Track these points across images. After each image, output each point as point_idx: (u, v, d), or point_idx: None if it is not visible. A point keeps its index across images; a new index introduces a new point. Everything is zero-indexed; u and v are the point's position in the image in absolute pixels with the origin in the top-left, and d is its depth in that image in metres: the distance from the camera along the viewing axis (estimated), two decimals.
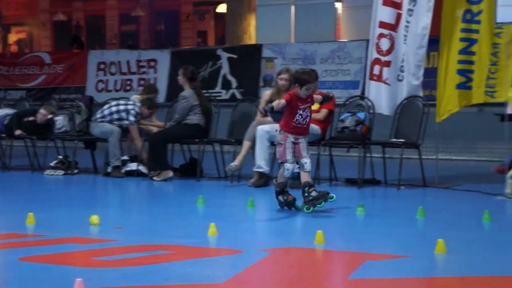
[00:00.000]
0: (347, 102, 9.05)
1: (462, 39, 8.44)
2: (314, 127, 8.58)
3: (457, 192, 8.07)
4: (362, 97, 9.17)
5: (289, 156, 6.60)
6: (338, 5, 13.44)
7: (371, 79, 8.88)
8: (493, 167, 8.86)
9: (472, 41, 8.40)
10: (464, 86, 8.48)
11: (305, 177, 6.62)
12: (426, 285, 4.34)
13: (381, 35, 8.73)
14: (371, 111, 8.65)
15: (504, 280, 4.34)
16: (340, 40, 12.89)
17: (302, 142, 6.67)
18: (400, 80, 8.69)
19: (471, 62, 8.42)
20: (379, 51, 8.77)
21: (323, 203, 6.52)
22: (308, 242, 5.39)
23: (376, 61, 8.81)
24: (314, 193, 6.55)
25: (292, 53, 12.44)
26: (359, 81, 11.74)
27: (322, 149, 8.62)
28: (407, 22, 8.54)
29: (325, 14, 13.19)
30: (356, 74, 11.84)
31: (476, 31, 8.36)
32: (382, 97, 8.74)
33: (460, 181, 8.76)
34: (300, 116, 6.65)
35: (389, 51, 8.71)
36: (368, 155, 8.56)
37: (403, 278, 4.38)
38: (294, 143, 6.64)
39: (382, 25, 8.72)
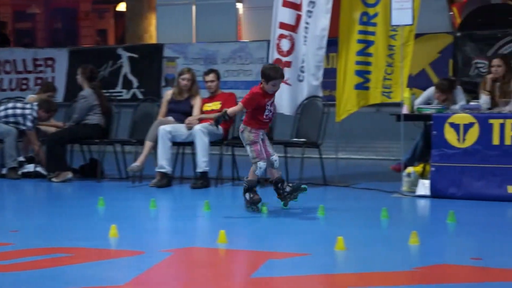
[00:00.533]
0: None
1: (359, 41, 8.64)
2: None
3: (356, 190, 8.26)
4: None
5: (263, 154, 6.63)
6: (239, 6, 13.49)
7: None
8: (390, 166, 9.13)
9: (369, 43, 8.62)
10: (362, 86, 8.68)
11: (275, 174, 6.71)
12: (325, 281, 4.41)
13: (282, 36, 8.84)
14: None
15: (400, 275, 4.48)
16: (242, 41, 12.94)
17: (265, 138, 6.72)
18: (301, 81, 8.82)
19: (368, 63, 8.64)
20: (279, 51, 8.87)
21: (298, 195, 6.67)
22: (211, 242, 5.39)
23: (277, 61, 8.88)
24: (288, 188, 6.68)
25: (193, 53, 12.40)
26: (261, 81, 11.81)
27: (224, 148, 8.64)
28: (307, 23, 8.67)
29: (226, 15, 13.21)
30: (258, 74, 11.84)
31: (373, 33, 8.58)
32: (283, 97, 8.83)
33: (359, 180, 8.97)
34: (269, 112, 6.68)
35: (289, 52, 8.82)
36: None
37: (303, 276, 4.44)
38: (262, 140, 6.68)
39: (282, 26, 8.82)
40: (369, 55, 8.62)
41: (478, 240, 5.56)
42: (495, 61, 8.07)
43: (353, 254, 4.97)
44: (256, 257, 4.99)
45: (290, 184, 6.79)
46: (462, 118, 7.35)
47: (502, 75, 8.02)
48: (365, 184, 8.49)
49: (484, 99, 8.01)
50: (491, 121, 7.24)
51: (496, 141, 7.18)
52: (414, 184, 7.67)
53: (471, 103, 8.02)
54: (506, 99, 7.72)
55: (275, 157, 6.69)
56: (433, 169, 7.42)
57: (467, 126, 7.31)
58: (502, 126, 7.19)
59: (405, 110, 7.97)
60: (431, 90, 8.59)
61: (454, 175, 7.34)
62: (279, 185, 6.71)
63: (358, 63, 8.65)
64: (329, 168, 8.82)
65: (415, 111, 8.06)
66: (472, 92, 9.18)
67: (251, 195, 6.73)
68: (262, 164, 6.58)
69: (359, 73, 8.65)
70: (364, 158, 11.40)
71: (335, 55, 9.49)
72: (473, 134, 7.28)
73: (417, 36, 9.06)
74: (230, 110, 6.73)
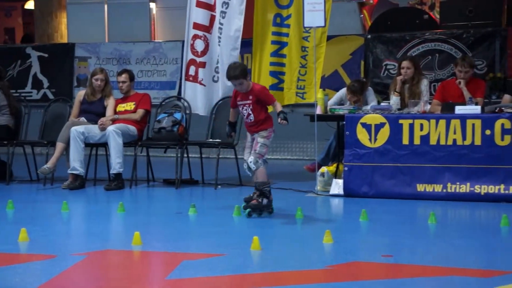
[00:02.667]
0: (164, 103, 9.04)
1: (273, 42, 8.72)
2: (131, 128, 8.50)
3: (272, 190, 8.28)
4: (179, 97, 9.20)
5: (245, 156, 6.54)
6: (153, 6, 13.37)
7: (187, 80, 8.93)
8: (304, 166, 9.23)
9: (282, 44, 8.71)
10: (277, 87, 8.77)
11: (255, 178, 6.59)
12: (240, 282, 4.43)
13: (196, 36, 8.82)
14: (188, 112, 8.71)
15: (314, 274, 4.53)
16: (156, 41, 12.83)
17: (258, 140, 6.50)
18: (216, 81, 8.82)
19: (282, 64, 8.73)
20: (194, 52, 8.85)
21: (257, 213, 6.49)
22: (125, 244, 5.33)
23: (192, 62, 8.88)
24: (261, 201, 6.50)
25: (106, 53, 12.21)
26: (176, 81, 11.76)
27: (139, 150, 8.55)
28: (221, 24, 8.68)
29: (139, 14, 13.06)
30: (172, 74, 11.86)
31: (286, 35, 8.68)
32: (198, 98, 8.82)
33: (274, 179, 9.03)
34: (243, 115, 6.57)
35: (204, 52, 8.81)
36: (185, 155, 8.61)
37: (218, 276, 4.44)
38: (251, 141, 6.57)
39: (196, 26, 8.81)
40: (283, 56, 8.71)
41: (389, 237, 5.69)
42: (405, 63, 8.28)
43: (268, 254, 5.00)
44: (171, 259, 4.96)
45: (254, 202, 6.49)
46: (373, 118, 7.52)
47: (411, 77, 8.24)
48: (280, 184, 8.56)
49: (394, 100, 8.21)
50: (401, 121, 7.43)
51: (405, 141, 7.37)
52: (328, 184, 7.79)
53: (382, 104, 8.21)
54: (415, 100, 7.93)
55: (249, 159, 6.50)
56: (346, 168, 7.56)
57: (378, 126, 7.48)
58: (411, 126, 7.39)
59: (318, 110, 8.08)
60: (343, 91, 8.75)
61: (366, 174, 7.49)
62: (254, 192, 6.56)
63: (272, 64, 8.73)
64: (244, 169, 8.83)
65: (328, 111, 8.18)
66: (383, 93, 9.41)
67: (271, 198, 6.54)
68: (244, 165, 6.56)
69: (273, 74, 8.73)
70: (279, 158, 11.49)
71: (250, 56, 9.55)
72: (384, 134, 7.46)
73: (330, 38, 9.23)
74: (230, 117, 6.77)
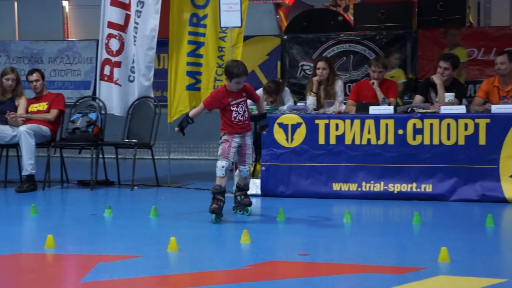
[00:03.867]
0: (78, 103, 8.88)
1: (190, 42, 8.68)
2: (43, 128, 8.31)
3: (189, 190, 8.29)
4: (94, 97, 9.05)
5: (227, 154, 6.24)
6: (65, 3, 13.10)
7: (101, 79, 8.81)
8: None
9: (199, 44, 8.68)
10: (194, 87, 8.74)
11: (241, 180, 6.53)
12: (157, 283, 4.38)
13: (110, 36, 8.70)
14: (103, 112, 8.58)
15: (231, 274, 4.53)
16: (69, 40, 12.58)
17: (249, 143, 6.34)
18: (131, 81, 8.73)
19: (199, 64, 8.70)
20: (109, 51, 8.73)
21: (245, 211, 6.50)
22: (38, 247, 5.19)
23: (107, 61, 8.75)
24: (242, 199, 6.50)
25: (17, 52, 11.90)
26: (90, 81, 11.57)
27: (52, 150, 8.35)
28: (136, 23, 8.59)
29: (52, 12, 12.78)
30: (87, 74, 11.66)
31: (203, 35, 8.66)
32: (113, 98, 8.71)
33: (191, 180, 9.01)
34: (237, 113, 6.27)
35: (119, 52, 8.70)
36: (100, 156, 8.47)
37: (135, 278, 4.39)
38: (241, 146, 6.32)
39: (111, 25, 8.69)
40: (200, 56, 8.69)
41: (305, 236, 5.75)
42: (320, 64, 8.39)
43: (185, 255, 4.97)
44: (86, 261, 4.86)
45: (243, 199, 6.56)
46: (290, 118, 7.59)
47: (327, 77, 8.36)
48: (197, 184, 8.54)
49: (310, 100, 8.31)
50: (317, 121, 7.52)
51: (321, 140, 7.47)
52: None
53: (298, 104, 8.29)
54: (331, 100, 8.05)
55: (246, 168, 6.37)
56: (263, 168, 7.60)
57: (295, 127, 7.55)
58: (327, 126, 7.50)
59: None
60: (260, 91, 8.78)
61: (283, 174, 7.55)
62: (237, 193, 6.54)
63: (189, 64, 8.70)
64: (161, 169, 8.79)
65: None
66: (299, 94, 9.53)
67: (213, 202, 6.23)
68: (223, 163, 6.18)
69: (190, 74, 8.70)
70: (197, 159, 11.46)
71: (166, 56, 9.49)
72: (301, 134, 7.54)
73: (246, 38, 9.27)
74: (192, 112, 6.38)
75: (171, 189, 8.42)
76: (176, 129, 6.41)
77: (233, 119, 6.26)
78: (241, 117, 6.29)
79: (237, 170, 7.94)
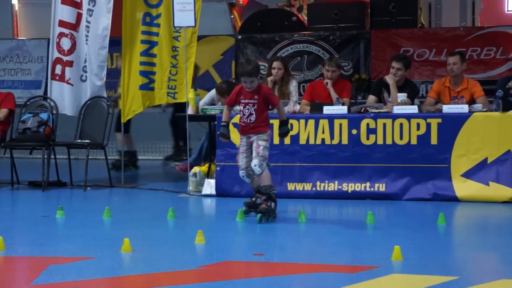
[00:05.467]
0: (29, 103, 8.74)
1: (143, 41, 8.60)
2: None
3: (143, 191, 8.22)
4: (45, 97, 8.91)
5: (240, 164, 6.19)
6: (15, 1, 12.85)
7: (53, 79, 8.69)
8: (177, 166, 9.19)
9: (153, 44, 8.61)
10: (147, 87, 8.66)
11: (256, 182, 6.28)
12: (110, 285, 4.33)
13: (62, 34, 8.59)
14: (55, 112, 8.46)
15: (186, 274, 4.51)
16: (19, 38, 12.36)
17: (255, 144, 6.18)
18: (84, 81, 8.63)
19: (152, 64, 8.62)
20: (60, 50, 8.62)
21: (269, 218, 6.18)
22: None
23: (58, 60, 8.64)
24: (262, 206, 6.15)
25: None
26: (41, 80, 11.39)
27: (2, 151, 8.20)
28: (88, 22, 8.49)
29: (1, 11, 12.54)
30: (38, 73, 11.48)
31: (156, 34, 8.58)
32: (65, 98, 8.61)
33: (146, 180, 8.94)
34: (243, 115, 6.18)
35: (70, 51, 8.59)
36: (52, 156, 8.34)
37: (88, 280, 4.33)
38: (247, 145, 6.23)
39: (62, 24, 8.58)
40: (153, 55, 8.62)
41: (260, 236, 5.75)
42: (276, 64, 8.40)
43: (139, 256, 4.92)
44: (37, 263, 4.77)
45: (264, 206, 6.17)
46: None
47: (281, 77, 8.37)
48: (151, 185, 8.48)
49: None
50: (271, 121, 7.50)
51: (276, 140, 7.46)
52: (200, 184, 7.78)
53: None
54: (285, 100, 8.07)
55: (253, 162, 6.17)
56: (218, 168, 7.58)
57: None
58: None
59: (190, 110, 8.06)
60: (214, 91, 8.76)
61: (238, 174, 7.51)
62: (254, 197, 6.28)
63: (142, 63, 8.62)
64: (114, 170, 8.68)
65: (200, 112, 8.17)
66: None
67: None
68: (239, 174, 6.30)
69: (143, 73, 8.62)
70: (151, 159, 11.38)
71: (119, 55, 9.39)
72: None
73: (200, 38, 9.23)
74: (223, 116, 6.39)
75: (125, 189, 8.35)
76: (221, 138, 6.47)
77: (240, 118, 6.30)
78: (245, 119, 6.24)
79: (192, 171, 7.91)
